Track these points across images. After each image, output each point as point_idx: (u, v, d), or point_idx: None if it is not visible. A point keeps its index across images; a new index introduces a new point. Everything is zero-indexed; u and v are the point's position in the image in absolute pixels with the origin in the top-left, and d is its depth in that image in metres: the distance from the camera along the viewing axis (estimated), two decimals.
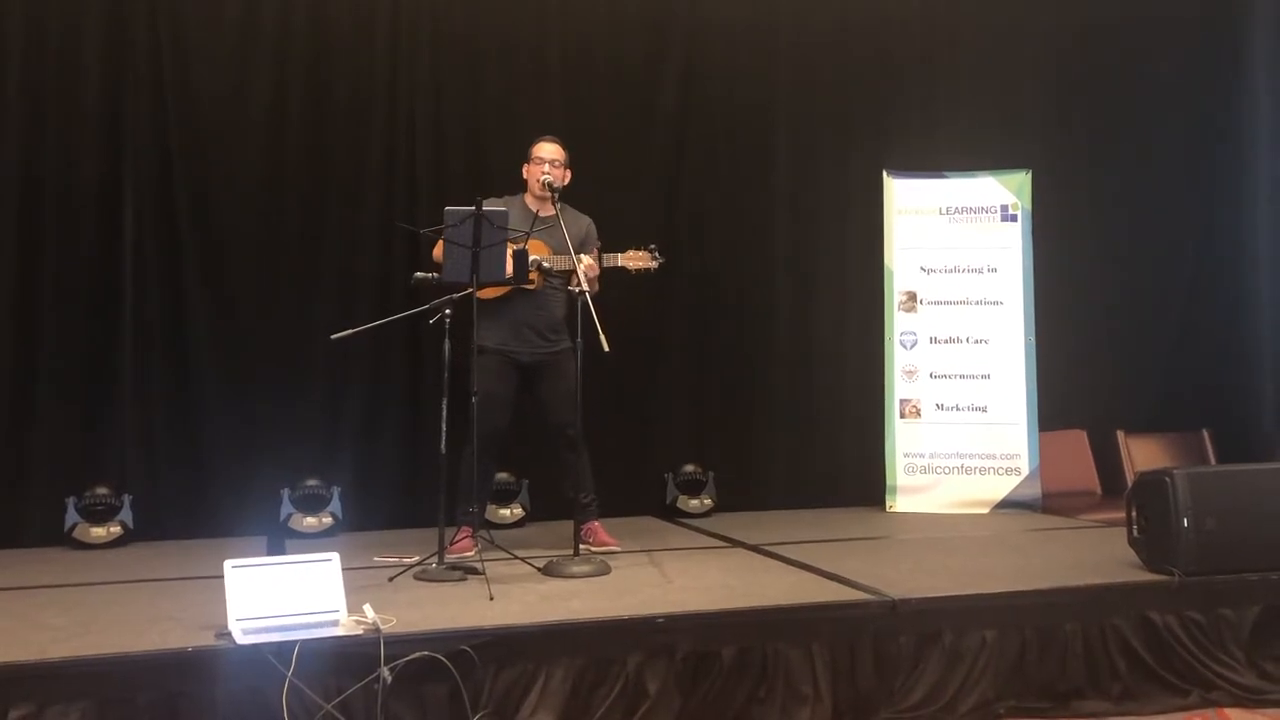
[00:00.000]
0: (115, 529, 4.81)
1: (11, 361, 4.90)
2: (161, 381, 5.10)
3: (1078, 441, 6.25)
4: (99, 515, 4.80)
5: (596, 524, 4.60)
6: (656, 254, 4.55)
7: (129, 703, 2.88)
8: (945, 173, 5.98)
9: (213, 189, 5.19)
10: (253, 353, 5.19)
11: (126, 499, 4.87)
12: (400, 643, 3.04)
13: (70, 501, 4.79)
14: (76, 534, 4.76)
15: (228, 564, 3.09)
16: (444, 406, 3.97)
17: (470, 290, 4.05)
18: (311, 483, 5.06)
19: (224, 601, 3.04)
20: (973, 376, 5.85)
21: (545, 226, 4.40)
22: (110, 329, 5.03)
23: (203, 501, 5.07)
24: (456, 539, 4.35)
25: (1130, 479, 5.68)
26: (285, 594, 3.09)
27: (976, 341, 5.87)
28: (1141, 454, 6.14)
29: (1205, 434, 6.34)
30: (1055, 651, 3.64)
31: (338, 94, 5.36)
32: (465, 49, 5.55)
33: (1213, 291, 6.61)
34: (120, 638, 3.09)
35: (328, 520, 5.03)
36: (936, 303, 5.91)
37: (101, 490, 4.82)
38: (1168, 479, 3.90)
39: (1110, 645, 3.70)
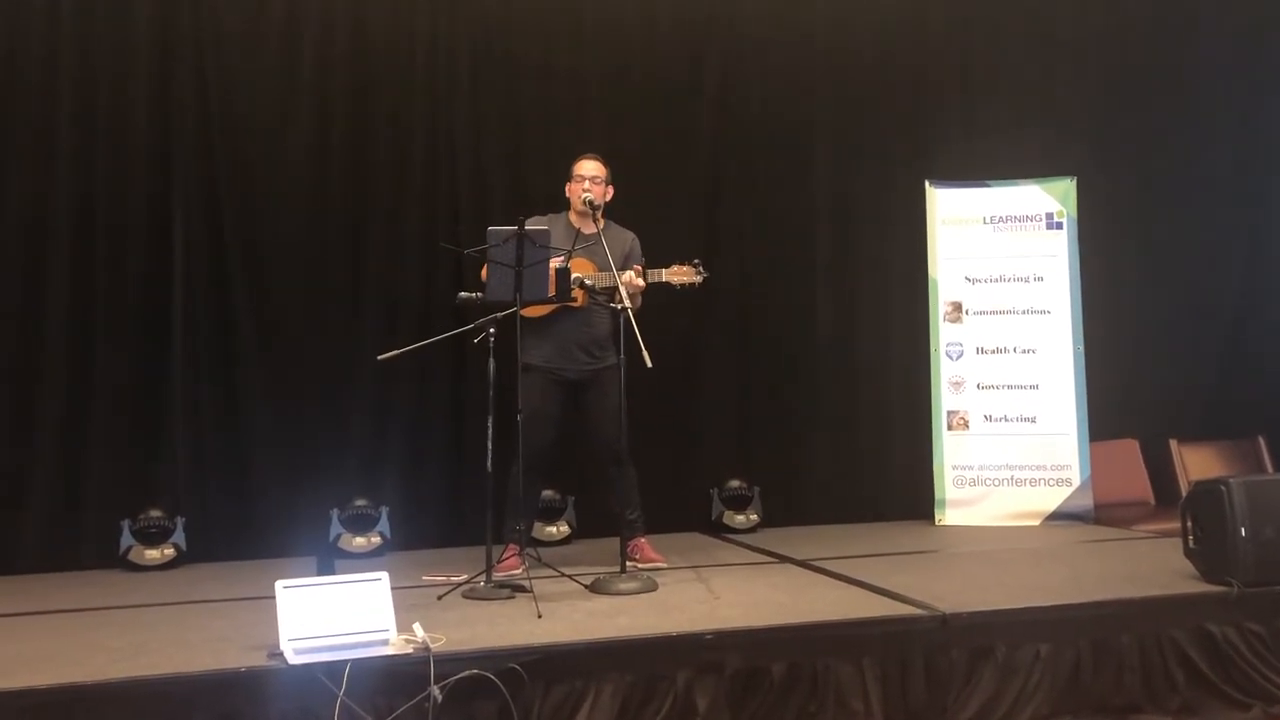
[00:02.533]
0: (169, 551, 4.87)
1: (66, 388, 4.99)
2: (212, 405, 5.17)
3: (1130, 451, 6.15)
4: (153, 538, 4.87)
5: (643, 540, 4.60)
6: (701, 268, 4.55)
7: None
8: (988, 181, 5.93)
9: (258, 215, 5.26)
10: (300, 375, 5.25)
11: (179, 521, 4.94)
12: (450, 661, 3.05)
13: (125, 524, 4.86)
14: (131, 556, 4.83)
15: (279, 584, 3.12)
16: (489, 425, 3.99)
17: (514, 309, 4.08)
18: (360, 503, 5.10)
19: (276, 622, 3.07)
20: (1021, 387, 5.78)
21: (588, 244, 4.42)
22: (161, 354, 5.11)
23: (253, 523, 5.13)
24: (504, 557, 4.37)
25: (1184, 488, 5.58)
26: (336, 614, 3.11)
27: (1024, 351, 5.80)
28: (1195, 462, 6.03)
29: (1261, 440, 6.21)
30: (1111, 665, 3.58)
31: (379, 118, 5.43)
32: (504, 70, 5.60)
33: (1265, 294, 6.50)
34: (176, 658, 3.13)
35: (376, 540, 5.07)
36: (982, 313, 5.85)
37: (155, 513, 4.90)
38: (1223, 488, 3.83)
39: (1168, 658, 3.63)
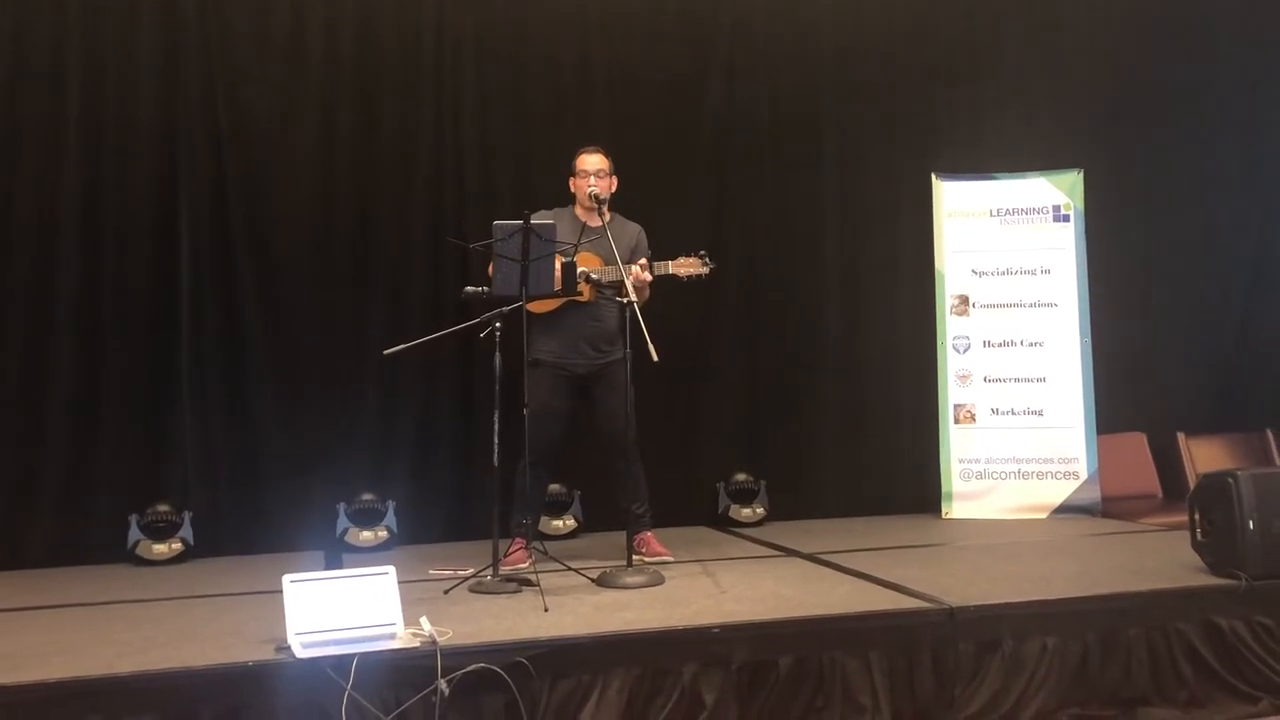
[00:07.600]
0: (176, 545, 4.88)
1: (75, 384, 4.99)
2: (219, 401, 5.17)
3: (1137, 444, 6.15)
4: (160, 532, 4.88)
5: (649, 534, 4.60)
6: (707, 260, 4.54)
7: (193, 716, 2.93)
8: (995, 174, 5.92)
9: (266, 210, 5.26)
10: (307, 370, 5.25)
11: (187, 516, 4.95)
12: (457, 655, 3.06)
13: (133, 519, 4.88)
14: (139, 551, 4.84)
15: (286, 579, 3.12)
16: (495, 419, 3.99)
17: (520, 303, 4.08)
18: (367, 497, 5.11)
19: (283, 616, 3.07)
20: (1028, 380, 5.77)
21: (594, 238, 4.41)
22: (169, 350, 5.12)
23: (260, 517, 5.14)
24: (510, 551, 4.38)
25: (1192, 481, 5.57)
26: (343, 608, 3.11)
27: (1031, 344, 5.79)
28: (1203, 456, 6.02)
29: (1269, 434, 6.21)
30: (1119, 658, 3.58)
31: (386, 113, 5.42)
32: (510, 66, 5.59)
33: (1273, 287, 6.47)
34: (184, 652, 3.14)
35: (383, 534, 5.08)
36: (989, 306, 5.84)
37: (163, 508, 4.91)
38: (1231, 480, 3.82)
39: (1176, 651, 3.63)
